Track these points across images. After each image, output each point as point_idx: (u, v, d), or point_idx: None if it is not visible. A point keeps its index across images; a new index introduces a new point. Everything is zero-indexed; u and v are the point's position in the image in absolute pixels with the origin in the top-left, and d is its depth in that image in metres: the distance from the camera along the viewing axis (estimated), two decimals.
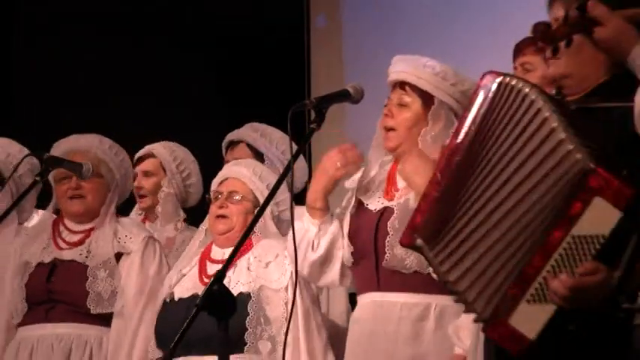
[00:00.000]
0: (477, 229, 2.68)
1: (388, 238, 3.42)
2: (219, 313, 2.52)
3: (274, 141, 4.51)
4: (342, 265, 3.71)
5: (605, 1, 2.61)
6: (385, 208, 3.55)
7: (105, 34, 7.05)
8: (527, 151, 2.57)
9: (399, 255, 3.42)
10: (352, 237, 3.63)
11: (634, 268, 2.26)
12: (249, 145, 4.45)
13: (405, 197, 3.53)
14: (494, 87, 2.63)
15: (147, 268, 4.09)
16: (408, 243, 2.80)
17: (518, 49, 4.17)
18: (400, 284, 3.50)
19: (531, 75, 3.76)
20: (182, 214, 4.70)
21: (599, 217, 2.52)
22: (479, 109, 2.68)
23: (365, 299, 3.61)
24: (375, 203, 3.60)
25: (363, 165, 3.77)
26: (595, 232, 2.52)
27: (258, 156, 4.38)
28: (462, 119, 2.77)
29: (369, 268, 3.57)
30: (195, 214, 4.63)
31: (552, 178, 2.54)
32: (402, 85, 3.62)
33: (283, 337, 3.50)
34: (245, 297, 3.73)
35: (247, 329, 3.68)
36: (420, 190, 3.20)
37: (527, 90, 2.56)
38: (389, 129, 3.59)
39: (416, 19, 6.16)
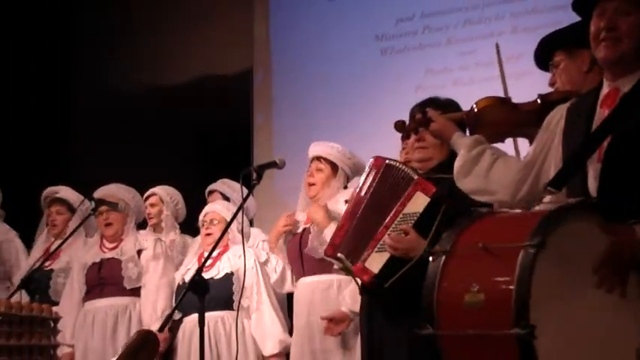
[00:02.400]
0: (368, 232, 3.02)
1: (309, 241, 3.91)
2: (198, 292, 2.95)
3: (235, 189, 4.85)
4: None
5: (436, 108, 2.85)
6: (304, 229, 4.03)
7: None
8: (397, 190, 3.00)
9: (313, 249, 3.86)
10: (289, 247, 4.11)
11: (440, 233, 2.21)
12: (220, 192, 4.94)
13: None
14: (384, 165, 3.08)
15: (157, 255, 4.46)
16: (331, 254, 3.16)
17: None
18: (315, 270, 3.94)
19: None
20: (177, 226, 5.05)
21: (417, 203, 2.93)
22: (375, 175, 3.09)
23: (301, 281, 4.06)
24: (298, 228, 4.12)
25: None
26: (414, 211, 2.94)
27: (226, 198, 4.86)
28: (364, 181, 3.14)
29: (298, 263, 4.04)
30: (184, 227, 5.09)
31: (401, 188, 2.99)
32: (318, 158, 4.05)
33: (254, 296, 4.19)
34: (230, 275, 4.23)
35: (233, 293, 4.18)
36: (316, 222, 3.85)
37: (404, 167, 3.06)
38: (311, 184, 4.05)
39: (321, 116, 6.29)
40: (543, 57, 2.84)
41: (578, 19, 2.60)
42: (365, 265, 2.97)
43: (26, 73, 6.96)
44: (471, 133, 2.70)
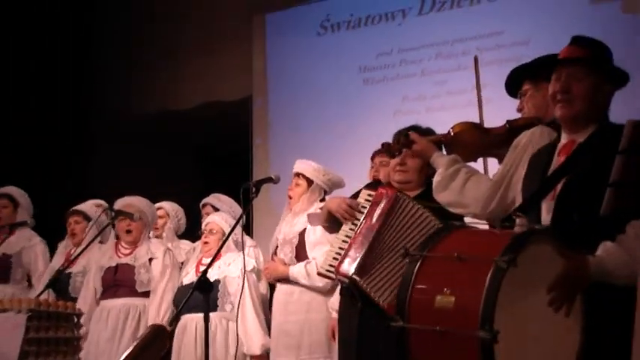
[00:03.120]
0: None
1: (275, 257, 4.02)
2: (204, 291, 2.89)
3: (224, 202, 4.92)
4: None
5: (418, 132, 2.87)
6: (277, 246, 4.08)
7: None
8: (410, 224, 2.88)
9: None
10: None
11: None
12: (211, 205, 4.95)
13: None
14: (393, 196, 2.92)
15: (166, 264, 4.43)
16: (344, 274, 2.92)
17: (376, 153, 4.18)
18: (287, 281, 3.94)
19: (384, 168, 3.59)
20: (176, 238, 5.10)
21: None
22: (385, 205, 2.93)
23: (278, 287, 4.08)
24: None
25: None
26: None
27: (215, 209, 4.81)
28: (372, 208, 2.95)
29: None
30: (187, 234, 5.19)
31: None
32: (297, 174, 4.10)
33: (239, 301, 4.04)
34: (217, 282, 4.14)
35: (218, 298, 4.14)
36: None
37: (412, 203, 2.91)
38: (290, 197, 4.12)
39: (311, 137, 6.28)
40: (513, 85, 2.84)
41: (536, 55, 2.69)
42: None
43: (52, 98, 6.95)
44: (448, 153, 2.72)
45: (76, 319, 2.92)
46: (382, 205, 2.91)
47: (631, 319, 1.91)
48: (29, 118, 6.73)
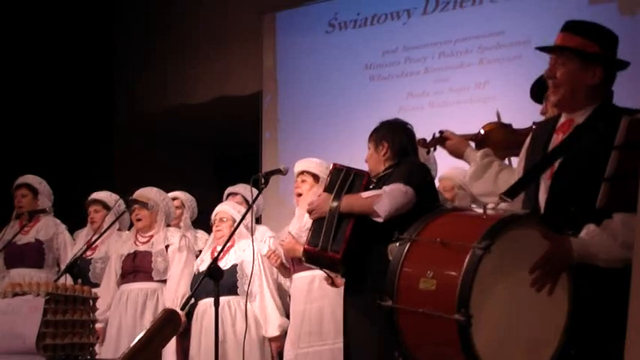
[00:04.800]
0: None
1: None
2: (214, 278, 2.99)
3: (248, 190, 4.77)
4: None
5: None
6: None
7: None
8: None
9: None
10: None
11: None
12: (243, 196, 4.91)
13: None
14: (332, 169, 3.25)
15: (182, 249, 4.47)
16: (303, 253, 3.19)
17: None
18: (305, 268, 3.85)
19: None
20: (192, 227, 5.06)
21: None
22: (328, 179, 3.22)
23: (295, 276, 4.05)
24: (295, 230, 4.03)
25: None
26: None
27: (246, 201, 4.82)
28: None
29: (291, 261, 4.05)
30: (201, 224, 5.08)
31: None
32: (302, 172, 4.07)
33: (257, 282, 4.17)
34: (235, 266, 4.21)
35: (237, 280, 4.20)
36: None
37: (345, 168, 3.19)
38: (299, 195, 4.07)
39: (318, 132, 6.37)
40: (538, 91, 2.86)
41: (536, 54, 2.56)
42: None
43: (77, 95, 7.02)
44: None
45: (91, 303, 2.87)
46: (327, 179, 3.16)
47: (617, 300, 1.91)
48: (57, 113, 6.81)
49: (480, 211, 2.15)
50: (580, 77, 2.20)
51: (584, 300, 2.01)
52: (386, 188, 3.00)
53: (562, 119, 2.28)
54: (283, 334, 4.14)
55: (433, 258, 1.97)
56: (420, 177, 3.08)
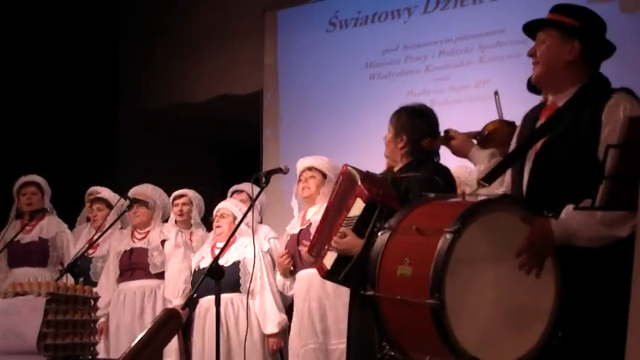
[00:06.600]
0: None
1: (300, 247, 3.90)
2: (215, 276, 2.98)
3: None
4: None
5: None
6: (301, 230, 4.02)
7: None
8: (347, 195, 2.93)
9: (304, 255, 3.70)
10: (288, 244, 4.08)
11: (374, 232, 2.26)
12: (248, 194, 4.81)
13: (309, 223, 4.00)
14: (345, 171, 3.03)
15: (178, 244, 4.50)
16: (306, 253, 3.35)
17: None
18: (306, 266, 3.88)
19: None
20: (202, 224, 4.98)
21: (357, 207, 2.85)
22: (339, 182, 3.06)
23: (299, 273, 4.03)
24: (295, 229, 4.10)
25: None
26: (355, 215, 2.86)
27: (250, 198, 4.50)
28: (334, 187, 3.14)
29: (296, 258, 4.02)
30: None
31: (348, 194, 2.93)
32: (310, 168, 4.07)
33: (258, 280, 4.21)
34: (237, 263, 4.23)
35: (240, 277, 4.20)
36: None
37: (355, 173, 2.94)
38: (306, 196, 4.08)
39: (319, 131, 6.31)
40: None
41: None
42: (323, 262, 2.96)
43: (80, 94, 7.00)
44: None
45: (92, 303, 2.87)
46: (338, 182, 3.01)
47: (601, 280, 1.93)
48: (60, 111, 6.81)
49: (458, 199, 2.16)
50: (557, 52, 2.19)
51: (570, 280, 2.00)
52: None
53: (548, 103, 2.26)
54: (282, 332, 4.14)
55: (410, 245, 2.00)
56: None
